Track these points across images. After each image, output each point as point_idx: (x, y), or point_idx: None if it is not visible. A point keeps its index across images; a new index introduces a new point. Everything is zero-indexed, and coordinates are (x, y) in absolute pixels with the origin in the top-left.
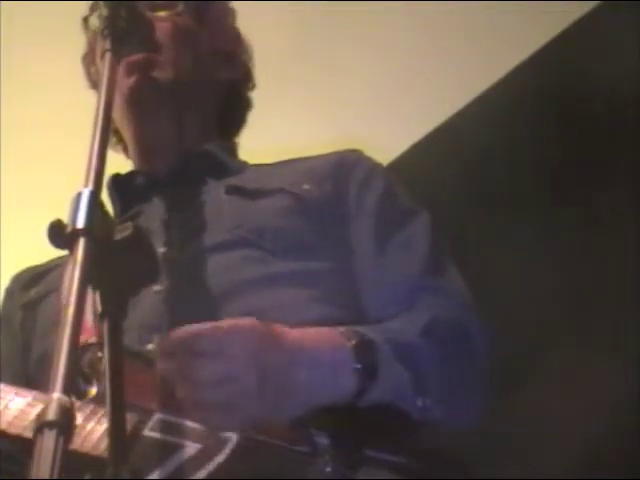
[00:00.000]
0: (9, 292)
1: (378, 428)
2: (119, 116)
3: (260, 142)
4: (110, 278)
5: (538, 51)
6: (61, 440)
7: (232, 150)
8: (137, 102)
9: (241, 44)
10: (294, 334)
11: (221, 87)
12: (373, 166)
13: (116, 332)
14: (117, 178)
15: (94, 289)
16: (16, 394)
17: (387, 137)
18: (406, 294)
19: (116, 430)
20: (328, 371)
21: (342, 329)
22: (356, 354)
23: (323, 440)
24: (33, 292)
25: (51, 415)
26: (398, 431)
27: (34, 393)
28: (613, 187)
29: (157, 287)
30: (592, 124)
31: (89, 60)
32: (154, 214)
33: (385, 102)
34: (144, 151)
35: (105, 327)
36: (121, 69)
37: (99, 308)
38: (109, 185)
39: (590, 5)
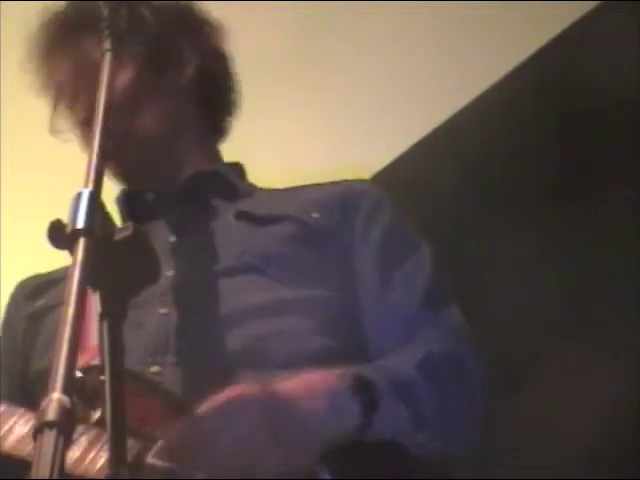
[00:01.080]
0: (13, 299)
1: (379, 462)
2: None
3: (261, 143)
4: (110, 278)
5: (538, 51)
6: (61, 440)
7: (241, 172)
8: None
9: (220, 50)
10: (291, 388)
11: (198, 102)
12: (380, 198)
13: (116, 333)
14: (127, 193)
15: (94, 289)
16: (20, 416)
17: (387, 137)
18: (405, 326)
19: (116, 430)
20: (330, 416)
21: (338, 371)
22: (354, 394)
23: (325, 474)
24: (38, 304)
25: (51, 415)
26: (398, 465)
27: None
28: (613, 187)
29: (163, 310)
30: (592, 124)
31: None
32: (162, 236)
33: (385, 102)
34: (143, 181)
35: (105, 328)
36: None
37: (99, 309)
38: (119, 200)
39: (590, 5)
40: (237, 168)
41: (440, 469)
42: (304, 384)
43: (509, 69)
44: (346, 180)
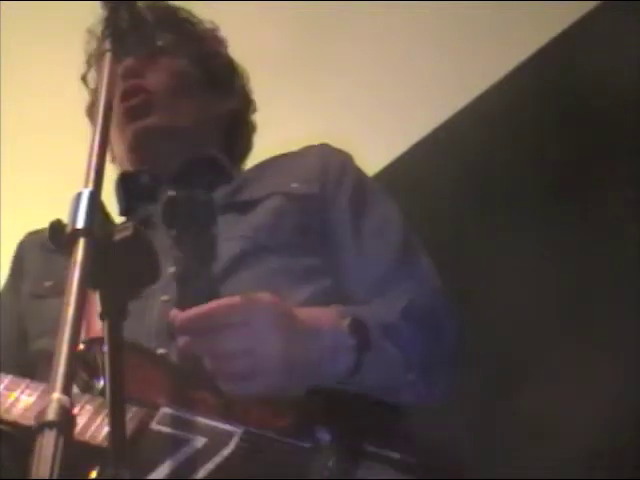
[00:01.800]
0: (18, 258)
1: (376, 423)
2: (116, 140)
3: (260, 143)
4: (110, 278)
5: (538, 51)
6: (61, 440)
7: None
8: (139, 149)
9: (236, 71)
10: (302, 312)
11: (222, 119)
12: (343, 159)
13: (116, 333)
14: (124, 176)
15: (94, 290)
16: (26, 386)
17: (387, 137)
18: (383, 283)
19: (116, 430)
20: (330, 347)
21: (339, 308)
22: (351, 332)
23: (325, 435)
24: (46, 285)
25: (51, 415)
26: (396, 425)
27: (43, 386)
28: (613, 187)
29: (165, 297)
30: (592, 124)
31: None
32: (160, 235)
33: (385, 102)
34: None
35: (105, 327)
36: (121, 113)
37: (99, 309)
38: (116, 183)
39: (590, 5)
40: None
41: (440, 469)
42: (313, 316)
43: (509, 69)
44: (311, 147)
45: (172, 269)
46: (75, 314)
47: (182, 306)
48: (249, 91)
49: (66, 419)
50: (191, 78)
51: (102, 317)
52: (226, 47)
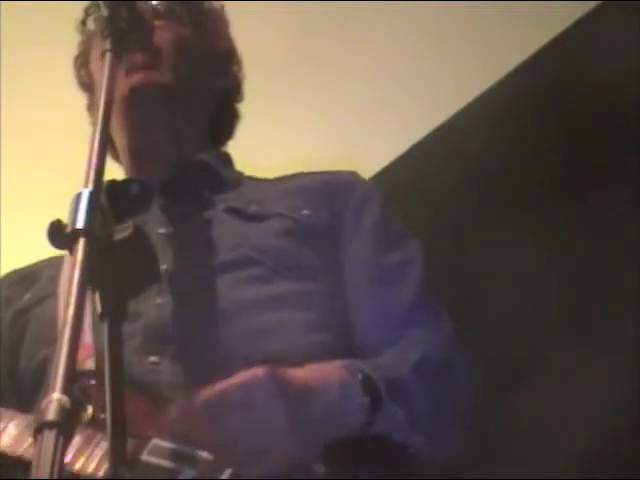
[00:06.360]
0: None
1: (372, 458)
2: (114, 122)
3: (262, 144)
4: (110, 278)
5: (538, 51)
6: (61, 440)
7: (227, 160)
8: (136, 102)
9: (235, 54)
10: (304, 375)
11: (213, 96)
12: (368, 190)
13: (116, 332)
14: (112, 185)
15: (94, 290)
16: (12, 417)
17: (388, 137)
18: (395, 325)
19: (116, 429)
20: (340, 408)
21: (345, 364)
22: (363, 390)
23: (319, 467)
24: (25, 298)
25: (51, 415)
26: (391, 461)
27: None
28: (613, 187)
29: (160, 300)
30: (592, 124)
31: (80, 62)
32: (151, 228)
33: (385, 102)
34: (137, 158)
35: (105, 327)
36: (122, 71)
37: (98, 309)
38: (104, 191)
39: (590, 5)
40: (223, 156)
41: (440, 469)
42: (317, 373)
43: (509, 69)
44: (334, 172)
45: (164, 266)
46: (75, 314)
47: (179, 311)
48: (242, 79)
49: (66, 419)
50: (193, 46)
51: (102, 318)
52: (229, 28)
